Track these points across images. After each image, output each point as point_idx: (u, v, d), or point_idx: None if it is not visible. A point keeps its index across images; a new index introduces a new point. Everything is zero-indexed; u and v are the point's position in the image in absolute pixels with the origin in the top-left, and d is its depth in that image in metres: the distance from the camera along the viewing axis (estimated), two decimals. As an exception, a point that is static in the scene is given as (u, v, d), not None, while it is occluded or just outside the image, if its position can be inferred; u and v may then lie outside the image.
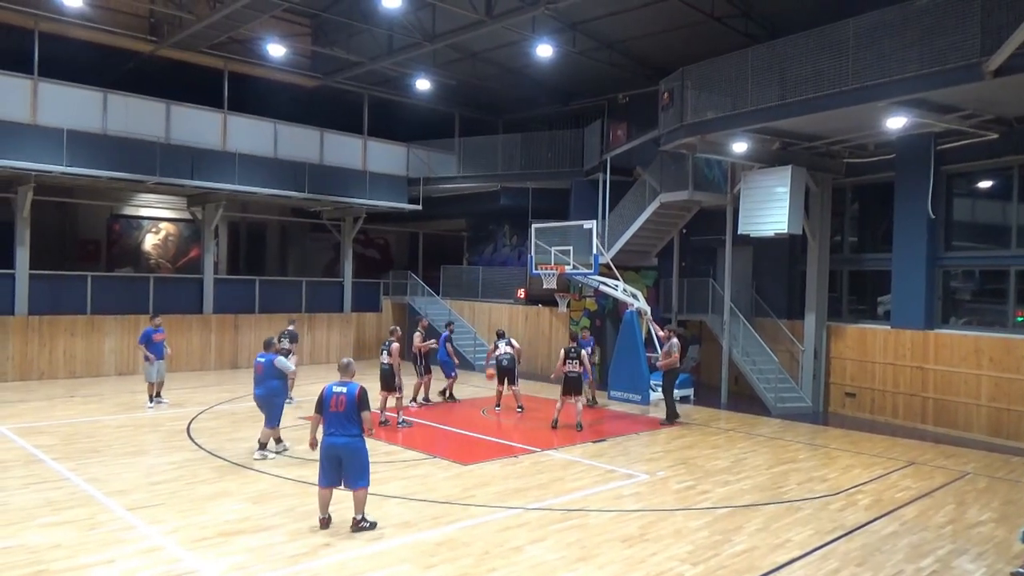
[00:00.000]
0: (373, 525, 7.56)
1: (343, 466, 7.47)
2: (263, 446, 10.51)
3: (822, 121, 13.34)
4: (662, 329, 15.35)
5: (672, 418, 14.11)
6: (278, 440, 10.72)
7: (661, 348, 14.71)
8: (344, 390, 7.55)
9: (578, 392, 13.03)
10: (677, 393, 16.64)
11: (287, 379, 10.88)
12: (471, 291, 24.28)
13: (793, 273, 17.50)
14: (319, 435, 7.73)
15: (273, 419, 10.47)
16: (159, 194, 22.12)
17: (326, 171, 21.21)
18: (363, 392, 7.61)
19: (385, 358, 12.84)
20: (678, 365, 14.37)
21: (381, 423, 12.67)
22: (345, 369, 7.85)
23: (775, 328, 17.25)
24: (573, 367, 12.91)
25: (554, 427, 12.96)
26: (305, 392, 16.80)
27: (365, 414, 7.53)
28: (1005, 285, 14.11)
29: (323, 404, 7.57)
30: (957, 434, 13.82)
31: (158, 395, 14.31)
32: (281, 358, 10.61)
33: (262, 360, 10.51)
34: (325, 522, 7.56)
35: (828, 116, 12.82)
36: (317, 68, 21.46)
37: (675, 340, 14.26)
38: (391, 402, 13.02)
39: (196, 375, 19.04)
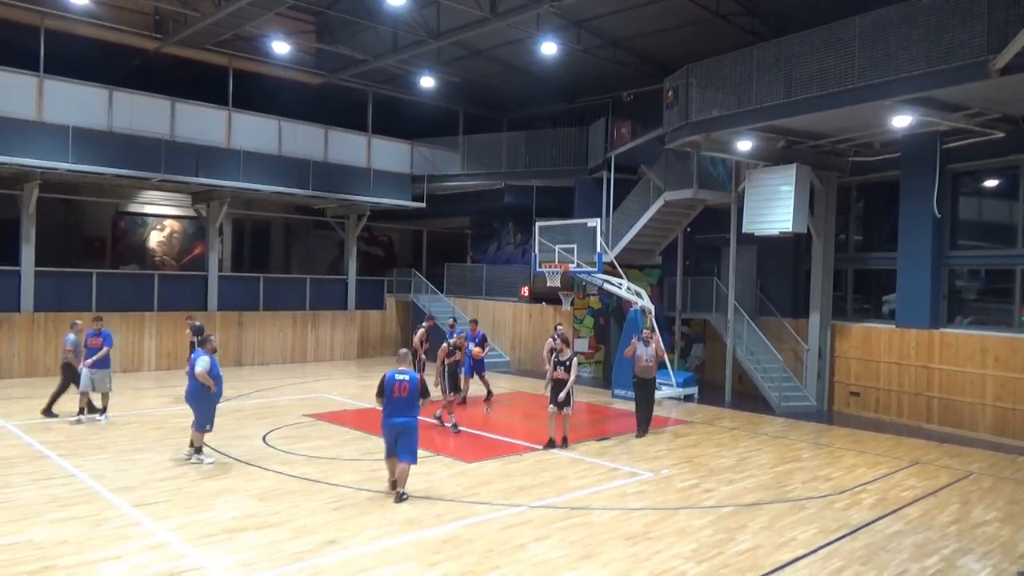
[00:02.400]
0: (407, 497, 8.51)
1: (398, 441, 8.52)
2: (198, 450, 10.02)
3: (827, 119, 13.31)
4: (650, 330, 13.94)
5: (646, 428, 12.79)
6: (199, 449, 10.01)
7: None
8: (407, 378, 8.58)
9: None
10: (680, 392, 16.70)
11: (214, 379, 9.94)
12: (475, 289, 24.28)
13: (797, 272, 17.48)
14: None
15: (199, 422, 9.95)
16: (164, 191, 22.18)
17: (330, 168, 21.24)
18: (423, 381, 8.79)
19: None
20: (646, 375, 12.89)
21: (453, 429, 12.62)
22: (404, 359, 8.97)
23: (779, 327, 17.23)
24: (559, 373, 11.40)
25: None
26: (310, 388, 16.83)
27: (423, 400, 8.77)
28: (1011, 284, 14.07)
29: (386, 389, 8.55)
30: (962, 433, 13.79)
31: (92, 409, 12.41)
32: (204, 358, 9.83)
33: (192, 357, 10.24)
34: (395, 483, 8.69)
35: (833, 114, 12.79)
36: (322, 66, 21.48)
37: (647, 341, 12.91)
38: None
39: (200, 372, 19.04)
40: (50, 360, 17.63)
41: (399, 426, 8.51)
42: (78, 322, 13.19)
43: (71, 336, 12.69)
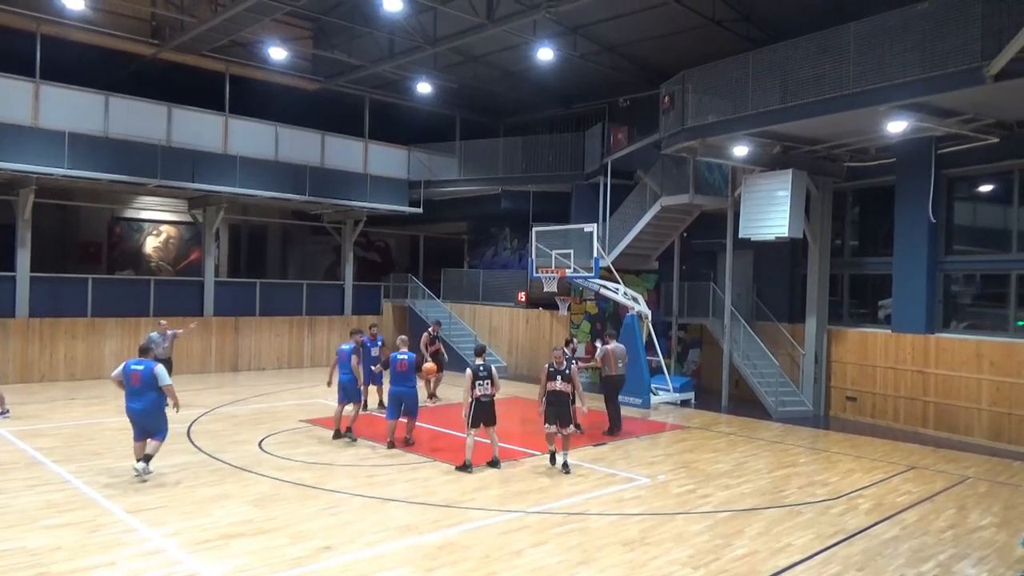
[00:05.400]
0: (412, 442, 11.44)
1: (403, 406, 11.27)
2: (148, 459, 9.32)
3: (823, 125, 13.35)
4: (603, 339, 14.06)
5: (614, 429, 13.06)
6: (147, 458, 9.30)
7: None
8: (405, 357, 11.34)
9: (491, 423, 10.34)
10: (677, 397, 16.69)
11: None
12: (472, 294, 24.28)
13: (794, 277, 17.50)
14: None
15: (163, 432, 9.41)
16: (160, 197, 22.16)
17: (327, 174, 21.25)
18: (417, 359, 11.62)
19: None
20: (613, 372, 13.19)
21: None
22: (405, 343, 11.79)
23: (776, 332, 17.24)
24: (485, 389, 10.14)
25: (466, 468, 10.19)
26: (307, 393, 16.79)
27: (419, 374, 11.96)
28: (1006, 289, 14.10)
29: (392, 366, 11.28)
30: (958, 438, 13.80)
31: None
32: (161, 367, 9.29)
33: (139, 368, 9.12)
34: (391, 444, 11.21)
35: (829, 120, 12.83)
36: (318, 71, 21.50)
37: (606, 347, 13.31)
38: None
39: (197, 377, 19.03)
40: (44, 365, 17.61)
41: (403, 394, 11.26)
42: (163, 322, 15.13)
43: (154, 335, 14.36)
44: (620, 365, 13.40)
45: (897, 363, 15.05)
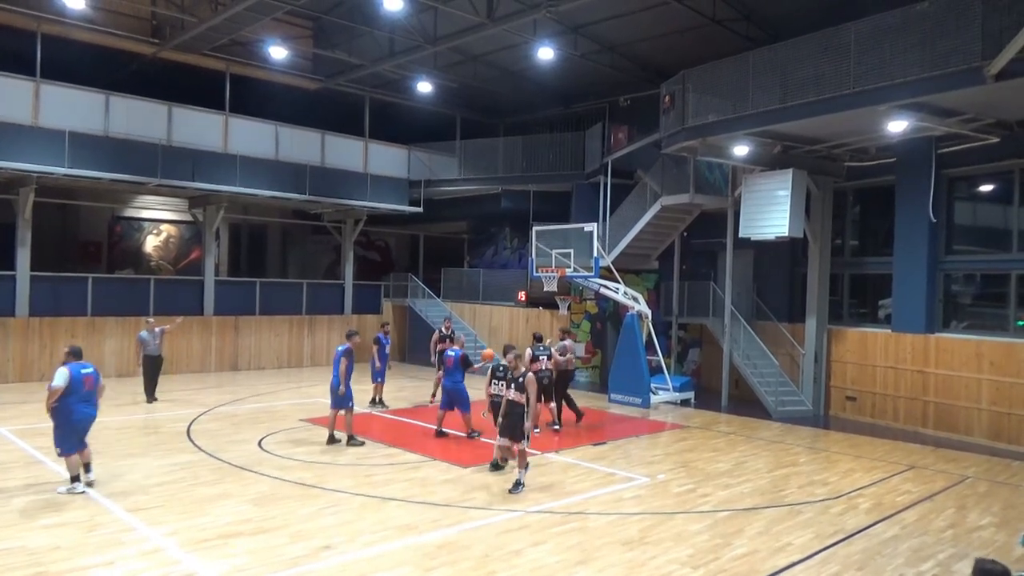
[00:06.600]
0: (478, 435, 12.03)
1: (452, 400, 12.08)
2: (88, 468, 8.85)
3: (823, 125, 13.35)
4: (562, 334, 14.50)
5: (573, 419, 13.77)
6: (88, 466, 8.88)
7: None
8: (454, 354, 12.29)
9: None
10: (677, 396, 16.71)
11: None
12: (472, 294, 24.28)
13: (794, 276, 17.49)
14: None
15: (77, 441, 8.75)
16: (160, 196, 22.17)
17: (327, 173, 21.26)
18: (466, 356, 12.42)
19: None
20: (570, 367, 13.96)
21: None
22: (455, 339, 13.66)
23: (776, 331, 17.24)
24: (499, 389, 9.89)
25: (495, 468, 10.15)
26: (307, 392, 16.79)
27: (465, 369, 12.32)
28: (1006, 289, 14.09)
29: (444, 363, 12.46)
30: (958, 438, 13.80)
31: None
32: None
33: (90, 371, 8.70)
34: (439, 431, 12.17)
35: (829, 120, 12.83)
36: (318, 70, 21.50)
37: (564, 343, 13.86)
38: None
39: (196, 377, 19.05)
40: (45, 365, 17.60)
41: (449, 389, 12.13)
42: (150, 320, 15.77)
43: (143, 333, 14.96)
44: (575, 360, 14.50)
45: (897, 363, 15.04)
